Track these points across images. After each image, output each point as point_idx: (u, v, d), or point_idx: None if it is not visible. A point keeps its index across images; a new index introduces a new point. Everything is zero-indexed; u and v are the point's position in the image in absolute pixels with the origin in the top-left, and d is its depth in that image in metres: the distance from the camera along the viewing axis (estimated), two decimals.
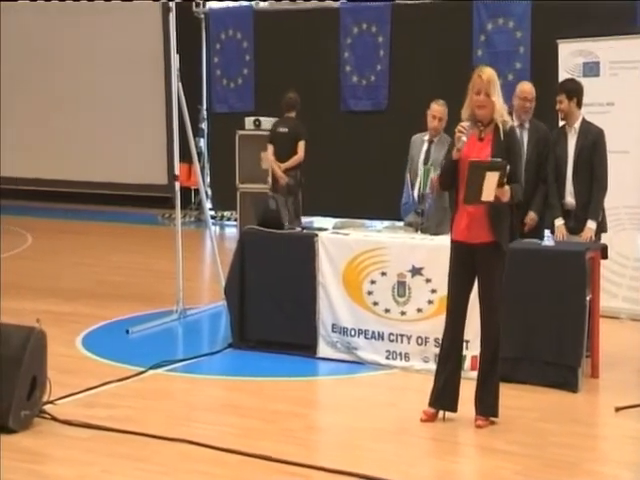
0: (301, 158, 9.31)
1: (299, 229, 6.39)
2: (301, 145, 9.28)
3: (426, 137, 6.56)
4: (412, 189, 6.33)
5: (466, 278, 4.67)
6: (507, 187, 4.46)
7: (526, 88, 6.37)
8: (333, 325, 5.98)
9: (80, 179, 7.80)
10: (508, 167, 4.46)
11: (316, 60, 12.20)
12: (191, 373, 5.73)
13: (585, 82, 6.39)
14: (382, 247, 5.82)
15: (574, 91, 6.06)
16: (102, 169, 7.89)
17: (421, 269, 5.68)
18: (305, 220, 10.11)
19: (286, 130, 9.40)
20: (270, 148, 9.50)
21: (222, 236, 12.54)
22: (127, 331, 6.63)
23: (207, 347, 6.35)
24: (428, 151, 6.49)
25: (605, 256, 5.70)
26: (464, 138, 4.51)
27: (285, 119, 9.56)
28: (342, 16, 12.11)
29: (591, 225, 5.95)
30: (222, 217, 13.58)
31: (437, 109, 6.52)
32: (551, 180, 6.10)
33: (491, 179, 4.37)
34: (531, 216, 6.22)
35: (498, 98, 4.59)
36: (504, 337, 4.74)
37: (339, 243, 5.98)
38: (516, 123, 6.26)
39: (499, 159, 4.49)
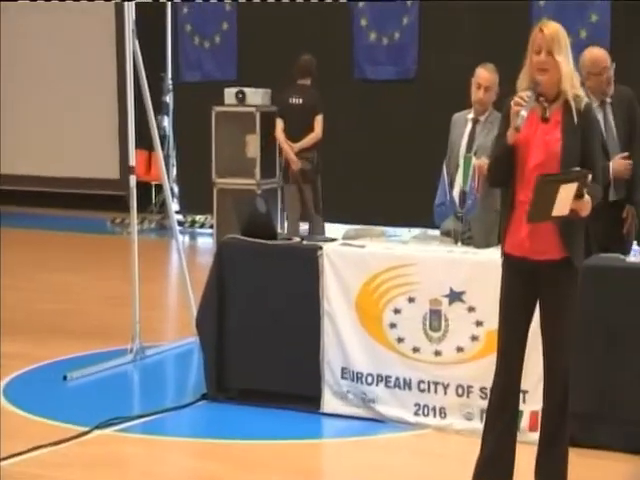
0: (319, 136, 9.73)
1: (298, 239, 6.42)
2: (319, 120, 9.69)
3: (470, 115, 6.56)
4: (450, 186, 6.34)
5: (525, 306, 4.66)
6: (587, 198, 4.45)
7: (599, 56, 6.32)
8: (343, 369, 5.99)
9: (3, 172, 7.79)
10: (590, 176, 4.44)
11: (320, 11, 12.26)
12: (151, 434, 5.73)
13: None
14: (409, 264, 5.83)
15: None
16: (33, 158, 7.87)
17: (462, 294, 5.69)
18: (303, 228, 10.30)
19: (300, 101, 9.78)
20: (280, 123, 9.88)
21: (193, 248, 12.56)
22: (65, 377, 6.64)
23: (173, 399, 6.37)
24: (472, 133, 6.49)
25: None
26: (524, 112, 4.47)
27: (298, 87, 9.90)
28: None
29: None
30: (193, 223, 13.62)
31: (485, 75, 6.51)
32: (637, 170, 6.14)
33: (566, 192, 4.37)
34: (631, 211, 6.26)
35: (567, 60, 4.55)
36: (575, 386, 4.73)
37: (351, 258, 5.99)
38: (596, 104, 6.30)
39: (577, 168, 4.47)
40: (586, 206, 4.47)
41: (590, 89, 6.31)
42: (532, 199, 4.39)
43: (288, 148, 9.78)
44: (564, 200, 4.38)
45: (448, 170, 6.49)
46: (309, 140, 9.73)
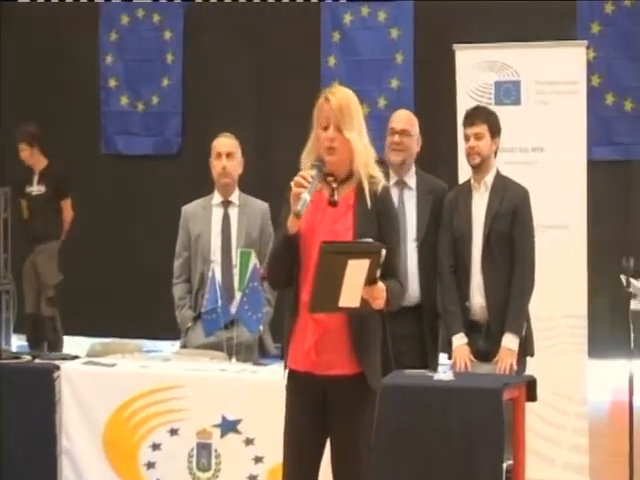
0: (69, 221, 10.68)
1: (28, 357, 6.35)
2: (67, 204, 10.61)
3: (215, 200, 6.80)
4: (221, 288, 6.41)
5: (314, 436, 4.74)
6: (381, 285, 4.53)
7: (400, 116, 6.73)
8: None
9: None
10: (384, 251, 4.51)
11: (58, 69, 12.21)
12: None
13: (499, 113, 6.67)
14: (172, 387, 5.88)
15: (498, 124, 6.42)
16: None
17: (237, 423, 5.77)
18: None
19: (42, 190, 10.41)
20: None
21: None
22: None
23: None
24: (226, 220, 6.69)
25: (534, 397, 5.94)
26: (307, 196, 4.51)
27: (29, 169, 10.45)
28: None
29: (510, 343, 6.21)
30: None
31: (227, 143, 6.79)
32: (445, 270, 6.39)
33: (356, 272, 4.42)
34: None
35: (358, 136, 4.66)
36: None
37: (98, 381, 6.00)
38: (393, 180, 6.54)
39: (369, 239, 4.56)
40: (380, 295, 4.50)
41: (386, 154, 6.58)
42: (314, 278, 4.42)
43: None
44: (354, 283, 4.42)
45: (193, 270, 6.66)
46: (67, 226, 10.73)
